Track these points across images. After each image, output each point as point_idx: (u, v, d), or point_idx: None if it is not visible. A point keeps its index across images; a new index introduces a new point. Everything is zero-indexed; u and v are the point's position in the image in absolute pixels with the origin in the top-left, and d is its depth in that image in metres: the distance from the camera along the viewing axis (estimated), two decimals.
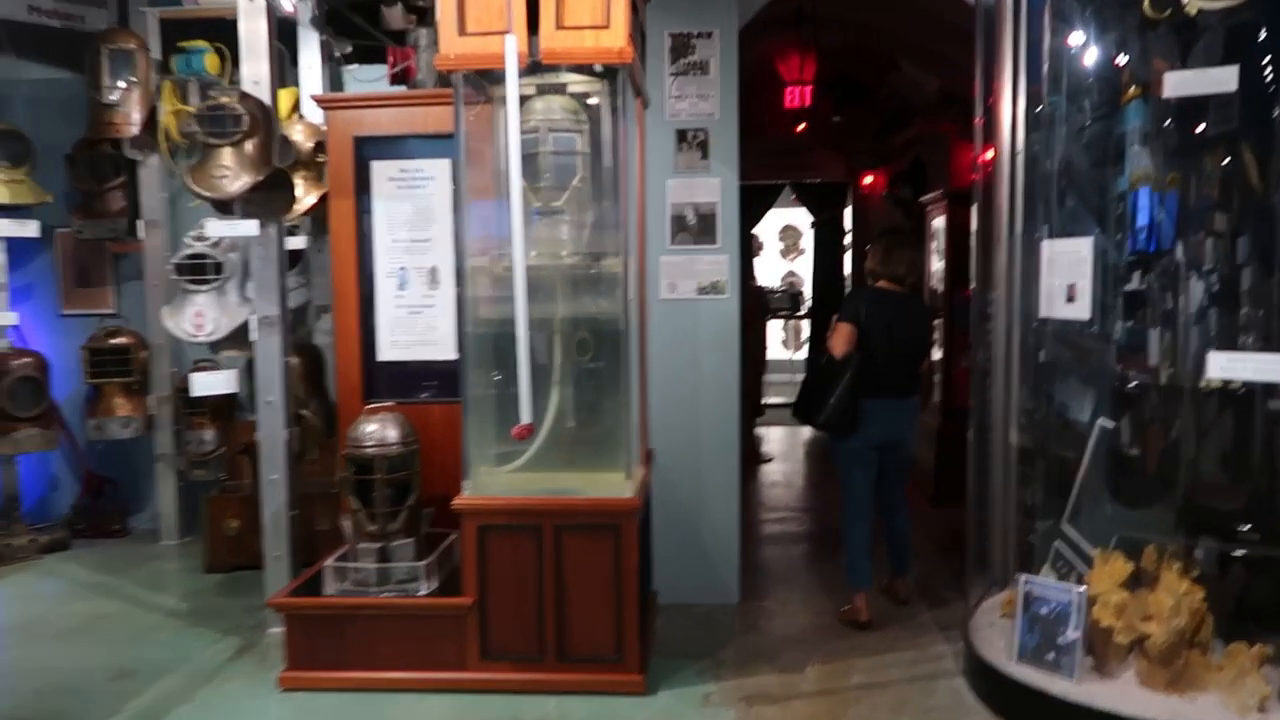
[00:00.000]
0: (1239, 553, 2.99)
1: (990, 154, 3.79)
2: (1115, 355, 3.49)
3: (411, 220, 3.89)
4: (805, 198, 9.97)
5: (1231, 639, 2.89)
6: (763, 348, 8.40)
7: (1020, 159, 3.70)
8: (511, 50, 2.99)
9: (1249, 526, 2.94)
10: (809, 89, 8.06)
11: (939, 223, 6.47)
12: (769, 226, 12.48)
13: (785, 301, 10.61)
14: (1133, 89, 3.25)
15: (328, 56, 4.91)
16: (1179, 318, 3.17)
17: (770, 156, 9.34)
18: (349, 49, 5.04)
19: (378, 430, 3.50)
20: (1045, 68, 3.62)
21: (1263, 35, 2.93)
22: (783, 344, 12.33)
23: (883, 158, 8.82)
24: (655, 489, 4.16)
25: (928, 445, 6.15)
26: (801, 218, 11.61)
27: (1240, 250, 3.07)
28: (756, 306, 7.61)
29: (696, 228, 4.10)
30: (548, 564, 3.31)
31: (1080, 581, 3.24)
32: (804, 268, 12.20)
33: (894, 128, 8.08)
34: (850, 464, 4.13)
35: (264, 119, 3.72)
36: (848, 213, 9.78)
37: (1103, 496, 3.59)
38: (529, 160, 3.31)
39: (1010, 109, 3.68)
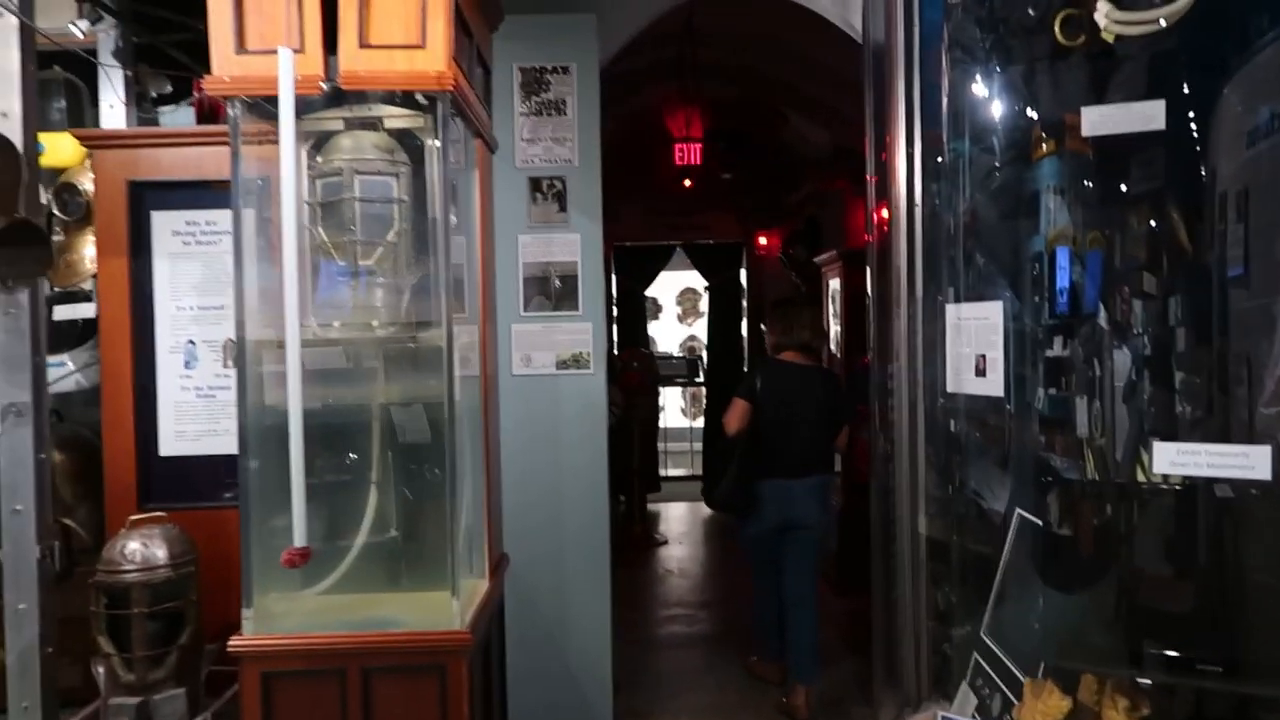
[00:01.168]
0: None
1: (885, 211, 3.33)
2: (1035, 435, 3.00)
3: (202, 284, 3.19)
4: (699, 260, 9.55)
5: None
6: (654, 418, 7.83)
7: (919, 212, 3.23)
8: (286, 66, 2.37)
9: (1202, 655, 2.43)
10: (698, 146, 7.68)
11: (835, 284, 6.05)
12: (665, 289, 12.05)
13: (683, 368, 10.10)
14: (1045, 144, 2.80)
15: (138, 95, 4.20)
16: (1106, 389, 2.69)
17: (661, 216, 8.93)
18: (168, 88, 4.34)
19: (140, 548, 2.76)
20: (945, 110, 3.17)
21: (1187, 68, 2.51)
22: (681, 412, 11.82)
23: (776, 217, 8.46)
24: (510, 602, 3.49)
25: (830, 527, 5.62)
26: (701, 280, 11.21)
27: (1171, 314, 2.62)
28: (646, 374, 7.06)
29: (556, 291, 3.51)
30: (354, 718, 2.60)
31: (1005, 709, 2.70)
32: (704, 331, 11.78)
33: (786, 185, 7.72)
34: (749, 546, 3.97)
35: (8, 160, 3.00)
36: (743, 274, 9.39)
37: (1028, 598, 3.07)
38: (331, 210, 2.68)
39: (905, 157, 3.22)
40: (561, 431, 3.53)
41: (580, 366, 3.51)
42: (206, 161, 3.15)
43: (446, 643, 2.60)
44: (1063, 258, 2.66)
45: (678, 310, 12.51)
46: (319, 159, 2.77)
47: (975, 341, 2.98)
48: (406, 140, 2.84)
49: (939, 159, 3.23)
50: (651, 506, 8.05)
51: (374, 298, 2.75)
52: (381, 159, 2.74)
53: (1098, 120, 2.40)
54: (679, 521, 7.89)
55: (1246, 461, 2.01)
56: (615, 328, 9.29)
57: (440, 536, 2.92)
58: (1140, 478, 2.55)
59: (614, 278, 9.24)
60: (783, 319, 4.02)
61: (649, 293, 11.19)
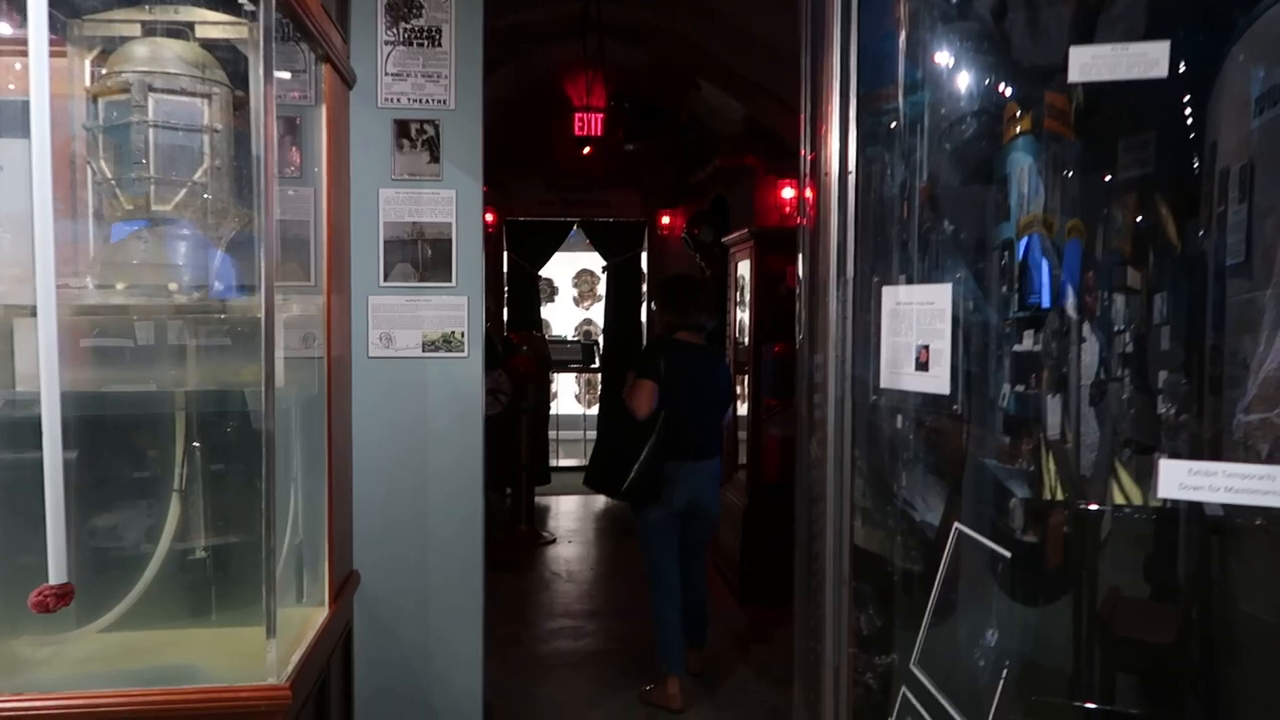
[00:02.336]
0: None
1: (810, 193, 2.87)
2: (985, 439, 2.57)
3: None
4: (597, 239, 9.00)
5: None
6: (545, 406, 7.27)
7: (852, 180, 2.76)
8: None
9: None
10: (600, 116, 7.14)
11: (744, 267, 5.59)
12: (561, 271, 11.47)
13: (578, 353, 9.55)
14: (1020, 120, 2.35)
15: None
16: (1077, 390, 2.28)
17: (558, 191, 8.35)
18: None
19: None
20: (897, 65, 2.71)
21: (1186, 27, 2.10)
22: (576, 399, 11.28)
23: (681, 195, 7.99)
24: (361, 626, 2.90)
25: (732, 529, 5.18)
26: (598, 262, 10.69)
27: (1157, 312, 2.22)
28: (537, 359, 6.49)
29: (424, 259, 2.92)
30: None
31: None
32: (601, 316, 11.26)
33: (694, 161, 7.25)
34: (655, 536, 3.81)
35: None
36: (644, 256, 8.89)
37: (969, 626, 2.66)
38: (117, 138, 2.05)
39: (840, 115, 2.74)
40: (429, 425, 2.95)
41: (452, 349, 2.93)
42: None
43: (259, 701, 2.01)
44: (1035, 247, 2.22)
45: (574, 293, 11.94)
46: (104, 71, 2.13)
47: (917, 330, 2.54)
48: (227, 58, 2.23)
49: (884, 123, 2.77)
50: (541, 500, 7.50)
51: (173, 254, 2.12)
52: (188, 74, 2.11)
53: (1089, 63, 1.96)
54: (570, 517, 7.37)
55: (1275, 486, 1.60)
56: (506, 309, 8.68)
57: (285, 556, 2.34)
58: (1118, 497, 2.14)
59: (505, 255, 8.63)
60: (678, 299, 3.92)
61: (544, 274, 10.61)
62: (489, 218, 8.14)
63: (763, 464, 5.15)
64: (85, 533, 2.26)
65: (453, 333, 2.93)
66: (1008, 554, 2.44)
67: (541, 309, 10.08)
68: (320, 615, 2.45)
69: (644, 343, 8.54)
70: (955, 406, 2.52)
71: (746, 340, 5.47)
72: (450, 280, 2.93)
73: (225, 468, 2.27)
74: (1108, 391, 2.28)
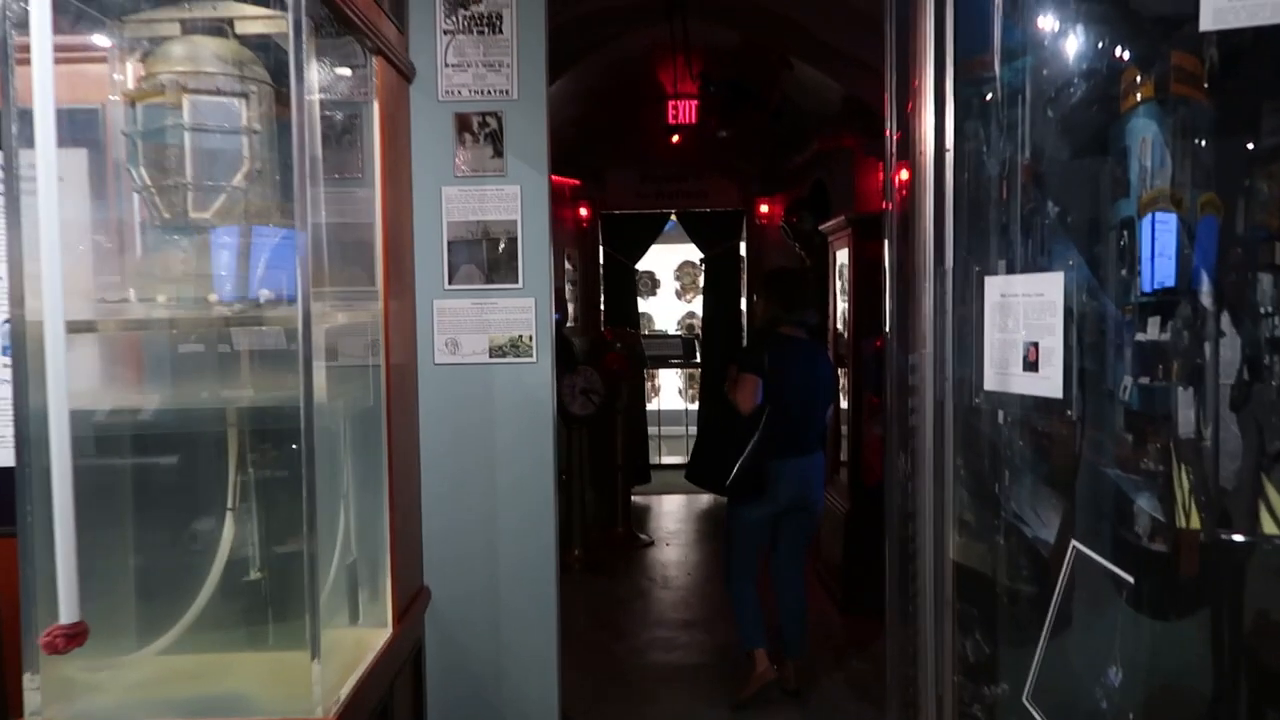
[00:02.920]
0: None
1: (906, 173, 2.60)
2: (1104, 448, 2.27)
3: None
4: (694, 230, 8.78)
5: None
6: (641, 403, 7.12)
7: (949, 159, 2.49)
8: None
9: None
10: (694, 104, 6.93)
11: (842, 256, 5.30)
12: (663, 263, 11.30)
13: (678, 347, 9.36)
14: (1140, 86, 2.04)
15: None
16: (1215, 389, 1.96)
17: (653, 182, 8.17)
18: None
19: None
20: (993, 29, 2.42)
21: None
22: (679, 394, 11.10)
23: (780, 181, 7.70)
24: (433, 645, 2.80)
25: (834, 534, 4.92)
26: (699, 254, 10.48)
27: None
28: (631, 356, 6.33)
29: (489, 259, 2.79)
30: None
31: None
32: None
33: (791, 146, 6.95)
34: (748, 530, 3.79)
35: None
36: (743, 246, 8.63)
37: (1091, 656, 2.36)
38: (151, 141, 1.97)
39: (934, 90, 2.47)
40: (497, 434, 2.82)
41: (520, 354, 2.79)
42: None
43: None
44: (1162, 225, 1.92)
45: (676, 285, 11.75)
46: (143, 74, 2.06)
47: (1025, 325, 2.26)
48: (270, 55, 2.13)
49: (979, 93, 2.49)
50: (640, 500, 7.36)
51: (215, 263, 2.03)
52: (225, 73, 2.02)
53: (1224, 6, 1.65)
54: (671, 518, 7.18)
55: None
56: (603, 305, 8.56)
57: (334, 577, 2.25)
58: (1269, 526, 1.82)
59: (600, 249, 8.50)
60: (782, 292, 3.86)
61: (644, 266, 10.46)
62: (583, 212, 8.04)
63: (865, 465, 4.86)
64: (142, 548, 2.22)
65: (520, 337, 2.79)
66: (1130, 579, 2.14)
67: (640, 303, 9.94)
68: (381, 636, 2.34)
69: (744, 336, 8.28)
70: (1069, 412, 2.23)
71: (846, 333, 5.19)
72: (517, 281, 2.78)
73: (280, 485, 2.18)
74: (1253, 392, 1.96)
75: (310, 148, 2.07)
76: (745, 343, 7.96)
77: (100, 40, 2.13)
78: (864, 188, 5.72)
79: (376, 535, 2.44)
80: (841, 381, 5.25)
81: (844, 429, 5.28)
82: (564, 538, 5.66)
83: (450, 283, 2.78)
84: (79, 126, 2.27)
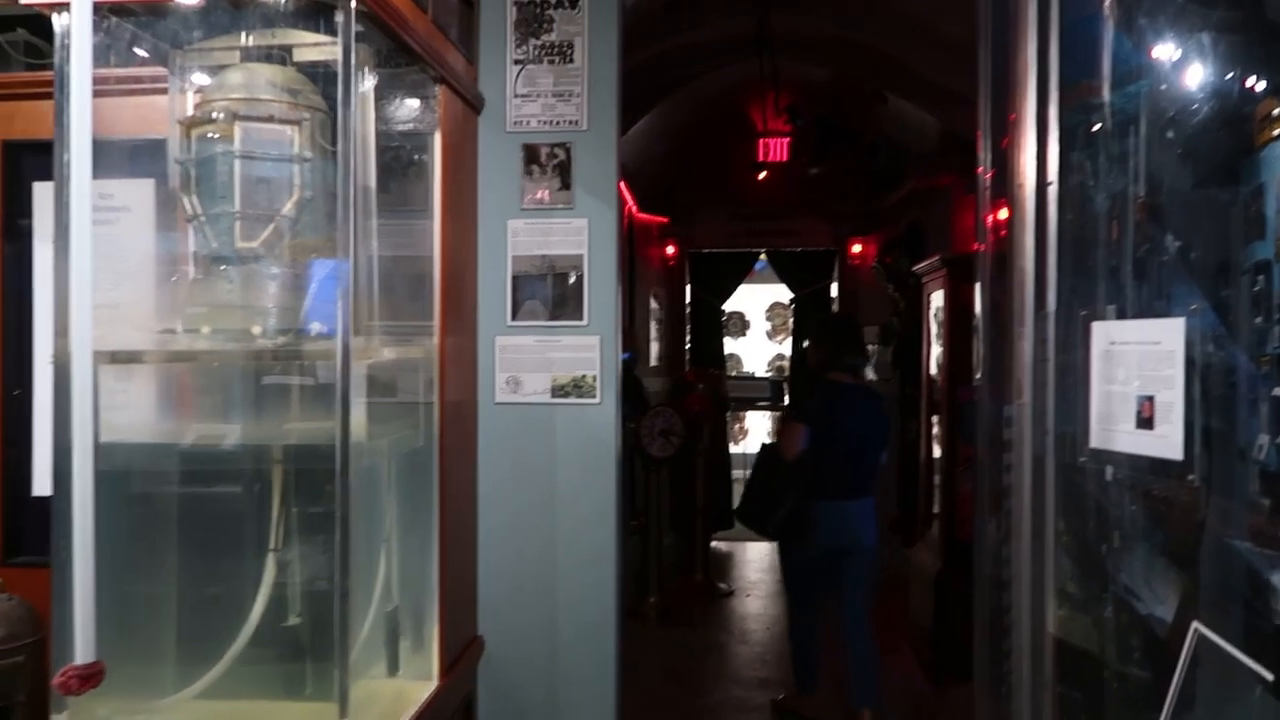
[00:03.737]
0: None
1: (1003, 212, 2.39)
2: (1231, 516, 2.00)
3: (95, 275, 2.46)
4: (784, 269, 8.57)
5: None
6: (724, 446, 6.91)
7: (1053, 192, 2.27)
8: None
9: None
10: (785, 141, 6.78)
11: (937, 298, 5.04)
12: (754, 303, 11.10)
13: (766, 389, 9.13)
14: (1277, 120, 1.80)
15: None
16: None
17: (743, 220, 8.02)
18: None
19: None
20: (1103, 51, 2.20)
21: None
22: (768, 436, 10.85)
23: (874, 221, 7.45)
24: (486, 699, 2.66)
25: (924, 595, 4.61)
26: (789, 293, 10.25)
27: None
28: (712, 398, 6.15)
29: (554, 295, 2.67)
30: None
31: None
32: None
33: (886, 184, 6.72)
34: (800, 575, 3.90)
35: None
36: (834, 286, 8.38)
37: None
38: (208, 171, 1.92)
39: (1036, 116, 2.26)
40: (559, 477, 2.68)
41: (583, 394, 2.65)
42: (107, 115, 2.42)
43: None
44: None
45: (767, 326, 11.53)
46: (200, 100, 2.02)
47: (1138, 377, 2.02)
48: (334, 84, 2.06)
49: (1086, 122, 2.27)
50: (723, 546, 7.13)
51: (260, 294, 1.96)
52: (277, 100, 1.96)
53: None
54: (753, 566, 6.92)
55: None
56: (689, 345, 8.41)
57: (371, 625, 2.14)
58: None
59: (688, 289, 8.37)
60: (834, 339, 3.98)
61: (733, 306, 10.28)
62: (670, 250, 7.94)
63: (959, 518, 4.56)
64: (184, 587, 2.15)
65: (584, 376, 2.65)
66: (1269, 675, 1.86)
67: (729, 344, 9.76)
68: (425, 690, 2.21)
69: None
70: (1191, 477, 1.97)
71: (940, 379, 4.91)
72: (582, 319, 2.66)
73: (321, 525, 2.09)
74: None
75: (362, 176, 2.00)
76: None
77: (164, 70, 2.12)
78: (961, 228, 5.45)
79: (424, 581, 2.32)
80: (933, 429, 5.00)
81: (936, 479, 4.98)
82: (640, 584, 5.49)
83: (513, 319, 2.68)
84: (146, 157, 2.26)
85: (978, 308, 2.36)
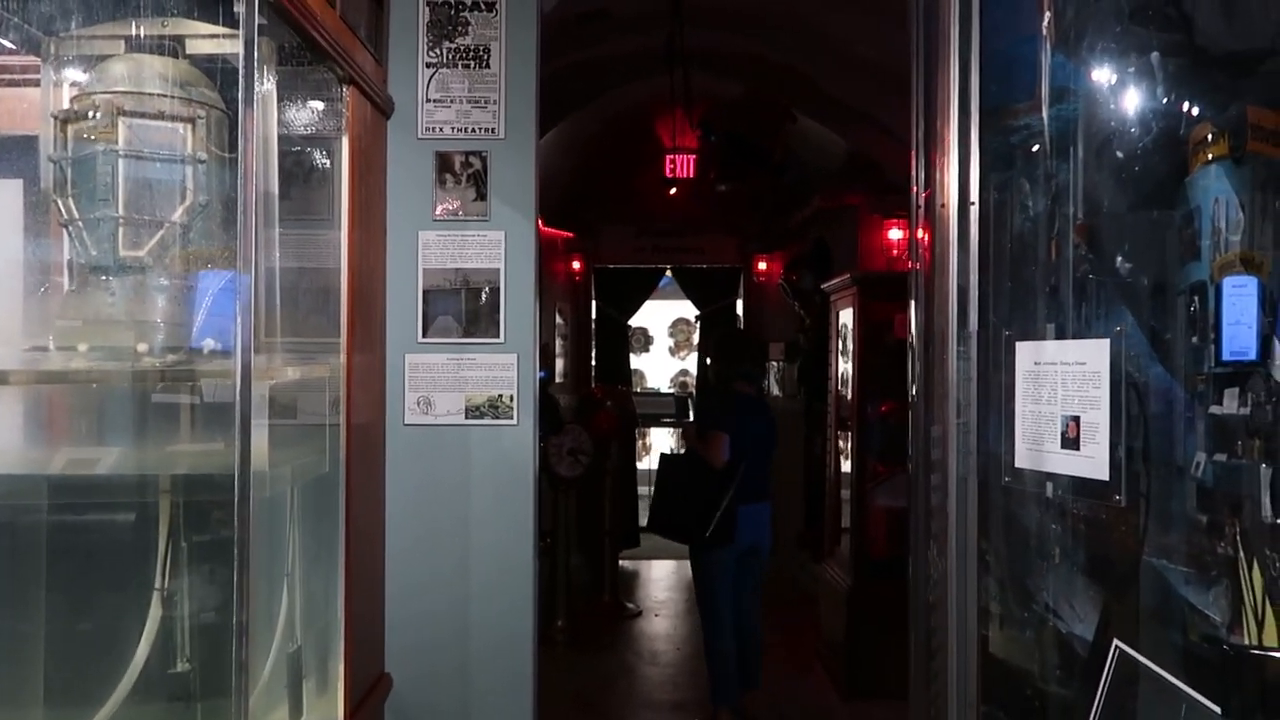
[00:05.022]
0: None
1: (922, 233, 2.38)
2: (1155, 536, 2.01)
3: None
4: (689, 286, 8.58)
5: None
6: (631, 464, 6.83)
7: (974, 211, 2.26)
8: None
9: None
10: (692, 158, 6.77)
11: (846, 316, 5.08)
12: (658, 319, 11.08)
13: (671, 406, 9.08)
14: (1211, 144, 1.80)
15: None
16: None
17: (649, 236, 7.99)
18: None
19: None
20: (1042, 73, 2.20)
21: None
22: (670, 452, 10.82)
23: (781, 239, 7.51)
24: None
25: (835, 612, 4.61)
26: (694, 310, 10.26)
27: None
28: (621, 416, 6.07)
29: (468, 311, 2.54)
30: None
31: None
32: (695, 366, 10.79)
33: (792, 202, 6.78)
34: (719, 576, 4.02)
35: None
36: (740, 304, 8.42)
37: None
38: (86, 171, 1.73)
39: (959, 131, 2.25)
40: (472, 503, 2.55)
41: (500, 415, 2.53)
42: None
43: None
44: (1240, 290, 1.67)
45: (670, 342, 11.52)
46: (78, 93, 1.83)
47: (1063, 397, 2.01)
48: (231, 81, 1.89)
49: (1016, 143, 2.28)
50: (628, 565, 7.02)
51: (147, 308, 1.78)
52: (168, 95, 1.79)
53: None
54: (660, 585, 6.85)
55: None
56: (594, 361, 8.32)
57: (272, 667, 1.96)
58: None
59: (593, 304, 8.28)
60: (736, 352, 4.28)
61: (640, 323, 10.23)
62: (576, 265, 7.84)
63: (869, 537, 4.58)
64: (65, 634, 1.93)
65: (500, 396, 2.53)
66: (1192, 690, 1.86)
67: (633, 360, 9.70)
68: None
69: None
70: (1117, 497, 1.97)
71: (850, 395, 4.93)
72: (498, 335, 2.53)
73: (215, 561, 1.90)
74: None
75: (263, 181, 1.84)
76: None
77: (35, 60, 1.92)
78: (868, 246, 5.52)
79: (329, 617, 2.16)
80: (841, 443, 5.05)
81: (844, 494, 5.00)
82: (547, 608, 5.34)
83: (425, 335, 2.53)
84: (14, 154, 2.04)
85: (911, 326, 2.34)
